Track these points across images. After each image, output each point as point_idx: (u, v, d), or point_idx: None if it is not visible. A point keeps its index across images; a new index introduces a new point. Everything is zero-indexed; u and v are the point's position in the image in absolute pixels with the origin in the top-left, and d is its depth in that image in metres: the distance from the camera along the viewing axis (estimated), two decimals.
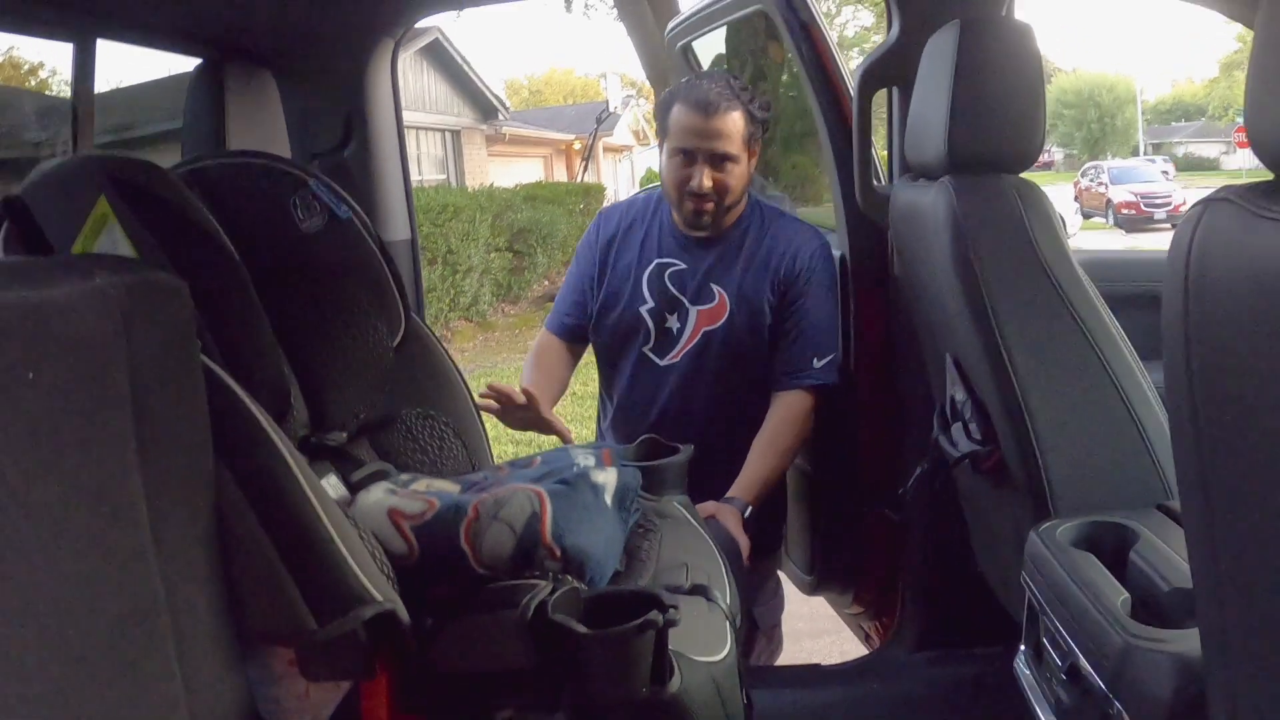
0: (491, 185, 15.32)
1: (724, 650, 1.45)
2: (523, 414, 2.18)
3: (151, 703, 1.04)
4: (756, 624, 2.61)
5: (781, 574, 2.99)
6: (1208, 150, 46.06)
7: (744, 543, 2.18)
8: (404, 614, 1.26)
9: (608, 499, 1.53)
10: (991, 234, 1.73)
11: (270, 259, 1.72)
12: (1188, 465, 0.97)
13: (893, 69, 2.32)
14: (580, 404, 7.23)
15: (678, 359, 2.37)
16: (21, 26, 1.87)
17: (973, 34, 1.77)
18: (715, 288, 2.36)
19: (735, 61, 3.68)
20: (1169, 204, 22.44)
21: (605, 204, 12.90)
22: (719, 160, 2.27)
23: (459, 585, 1.38)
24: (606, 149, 24.24)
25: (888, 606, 2.73)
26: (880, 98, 2.41)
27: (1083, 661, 1.44)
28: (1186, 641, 1.26)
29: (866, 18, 19.35)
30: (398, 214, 2.51)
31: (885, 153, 2.53)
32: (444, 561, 1.40)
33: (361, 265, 1.79)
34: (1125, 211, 23.62)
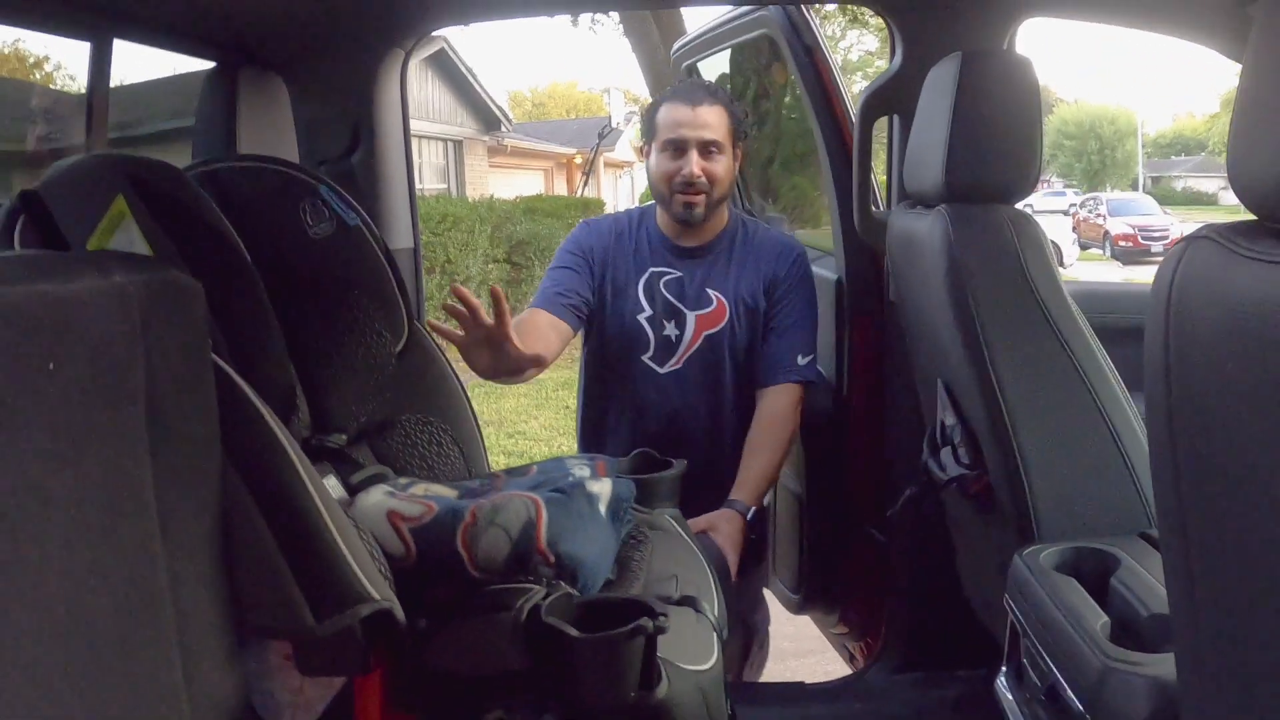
0: (492, 196, 15.34)
1: (711, 660, 1.48)
2: (487, 339, 1.90)
3: (153, 691, 1.07)
4: (753, 631, 2.63)
5: (768, 591, 3.01)
6: (1207, 185, 46.13)
7: (733, 552, 2.20)
8: (400, 614, 1.29)
9: (602, 509, 1.56)
10: (985, 263, 1.77)
11: (279, 263, 1.75)
12: (1166, 494, 1.00)
13: (894, 97, 2.36)
14: (573, 418, 7.22)
15: (679, 365, 2.39)
16: (40, 24, 1.89)
17: (973, 66, 1.80)
18: (712, 293, 2.39)
19: (739, 79, 3.72)
20: (1166, 237, 22.52)
21: None
22: (707, 149, 2.32)
23: (455, 588, 1.41)
24: (607, 164, 24.30)
25: (872, 627, 2.75)
26: (881, 125, 2.44)
27: (1062, 683, 1.47)
28: (1163, 665, 1.29)
29: (871, 43, 19.44)
30: (401, 222, 2.53)
31: (885, 179, 2.57)
32: (440, 564, 1.43)
33: (368, 272, 1.82)
34: (1123, 244, 23.71)
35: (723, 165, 2.35)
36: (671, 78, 3.66)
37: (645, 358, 2.39)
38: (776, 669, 3.43)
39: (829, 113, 2.57)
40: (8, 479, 0.90)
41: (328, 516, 1.22)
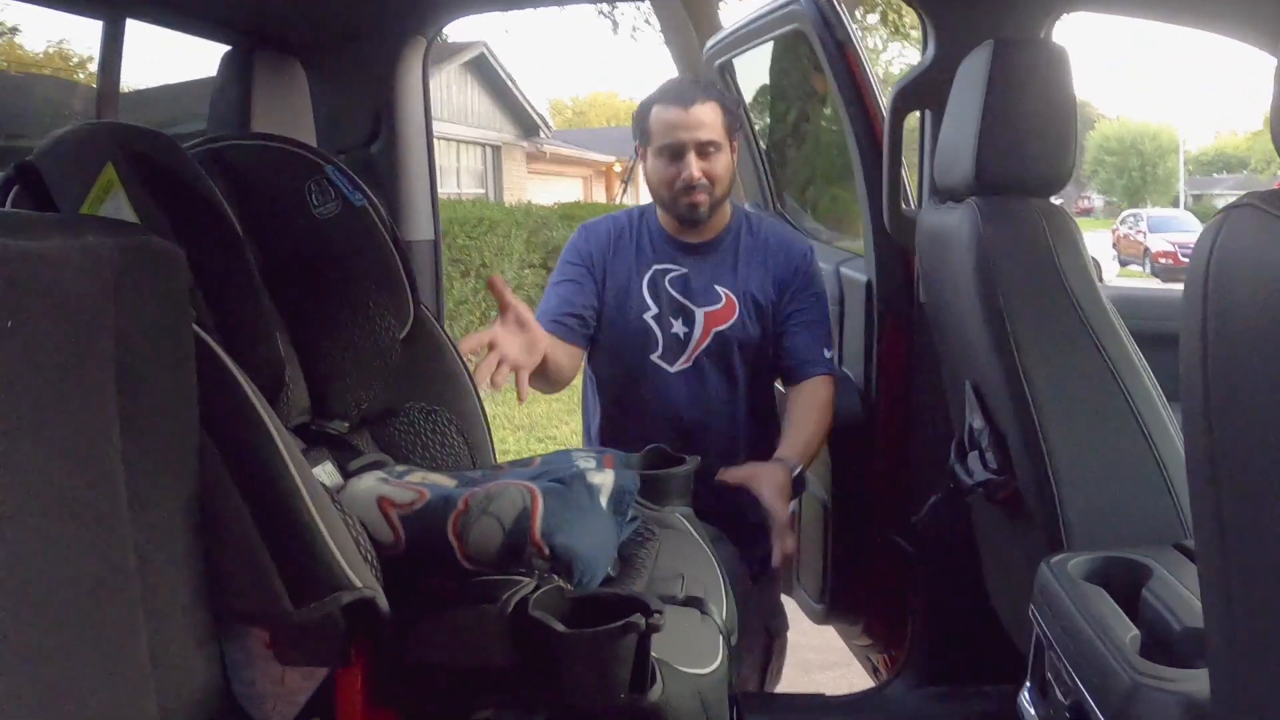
0: (529, 202, 15.38)
1: (714, 664, 1.41)
2: (517, 322, 1.95)
3: (118, 670, 1.02)
4: (773, 635, 2.57)
5: (792, 600, 2.95)
6: None
7: (780, 500, 2.13)
8: (384, 603, 1.23)
9: (603, 501, 1.49)
10: (1015, 258, 1.70)
11: (283, 242, 1.72)
12: (1202, 495, 0.93)
13: (926, 91, 2.29)
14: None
15: (689, 364, 2.34)
16: (57, 3, 1.87)
17: (1006, 54, 1.74)
18: (720, 289, 2.34)
19: (779, 91, 3.68)
20: None
21: None
22: (704, 149, 2.27)
23: (445, 579, 1.35)
24: None
25: (897, 639, 2.68)
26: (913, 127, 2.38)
27: (1088, 699, 1.39)
28: (1195, 682, 1.21)
29: (914, 56, 19.34)
30: (422, 213, 2.50)
31: (917, 178, 2.50)
32: (431, 553, 1.37)
33: (373, 254, 1.77)
34: (1163, 261, 23.43)
35: (722, 163, 2.30)
36: (706, 78, 3.61)
37: (654, 357, 2.34)
38: (802, 681, 3.37)
39: (860, 109, 2.51)
40: None
41: (309, 500, 1.17)
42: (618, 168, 23.14)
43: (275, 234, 1.70)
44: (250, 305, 1.46)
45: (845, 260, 2.82)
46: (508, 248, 11.78)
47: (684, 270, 2.36)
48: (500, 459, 1.95)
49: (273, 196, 1.72)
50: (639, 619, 1.20)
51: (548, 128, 22.08)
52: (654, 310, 2.34)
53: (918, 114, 2.37)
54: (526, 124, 20.67)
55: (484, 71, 18.99)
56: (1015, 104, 1.73)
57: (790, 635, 2.74)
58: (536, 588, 1.29)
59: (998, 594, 2.19)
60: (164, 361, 1.10)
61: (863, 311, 2.58)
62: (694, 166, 2.26)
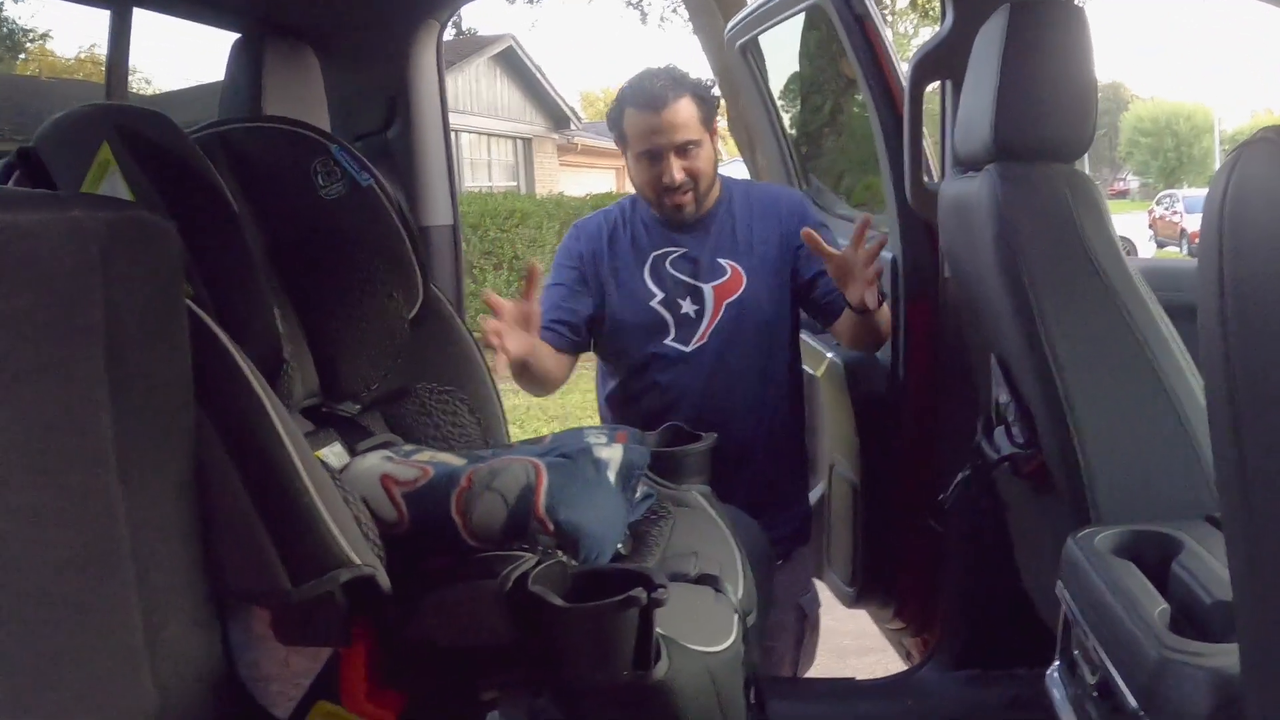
0: (561, 194, 15.37)
1: (725, 642, 1.38)
2: (522, 317, 2.00)
3: (108, 649, 1.01)
4: (805, 612, 2.55)
5: (822, 583, 2.91)
6: None
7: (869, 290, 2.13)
8: (385, 581, 1.21)
9: (611, 475, 1.46)
10: (1036, 224, 1.66)
11: (290, 224, 1.71)
12: (1225, 455, 0.88)
13: (945, 61, 2.25)
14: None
15: (705, 340, 2.31)
16: None
17: (1023, 17, 1.70)
18: (724, 262, 2.32)
19: (808, 75, 3.64)
20: None
21: None
22: (684, 149, 2.26)
23: (450, 556, 1.33)
24: None
25: (929, 622, 2.64)
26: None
27: (1115, 676, 1.35)
28: (1225, 656, 1.17)
29: None
30: (440, 198, 2.48)
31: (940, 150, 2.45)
32: (435, 531, 1.35)
33: (381, 234, 1.76)
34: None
35: (703, 158, 2.29)
36: (729, 61, 3.58)
37: (668, 341, 2.33)
38: (836, 666, 3.34)
39: (881, 82, 2.47)
40: None
41: (307, 477, 1.15)
42: None
43: (282, 215, 1.69)
44: (246, 281, 1.45)
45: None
46: (540, 239, 11.79)
47: (684, 249, 2.34)
48: None
49: (279, 178, 1.71)
50: (640, 593, 1.17)
51: (578, 119, 22.07)
52: (660, 296, 2.32)
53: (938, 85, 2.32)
54: (557, 116, 20.67)
55: (513, 64, 19.00)
56: (1033, 67, 1.69)
57: (824, 620, 2.71)
58: (538, 563, 1.26)
59: (1028, 572, 2.14)
60: (155, 335, 1.08)
61: (888, 288, 2.54)
62: (675, 169, 2.25)
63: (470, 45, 17.24)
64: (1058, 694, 1.60)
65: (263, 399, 1.16)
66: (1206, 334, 0.86)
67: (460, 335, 1.87)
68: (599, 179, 22.17)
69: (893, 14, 14.73)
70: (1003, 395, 1.91)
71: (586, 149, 22.03)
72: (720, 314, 2.31)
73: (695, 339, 2.32)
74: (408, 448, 1.60)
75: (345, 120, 2.38)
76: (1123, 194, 46.96)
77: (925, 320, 2.48)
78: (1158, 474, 1.63)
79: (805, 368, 2.54)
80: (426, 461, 1.45)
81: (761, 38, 3.40)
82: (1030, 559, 2.10)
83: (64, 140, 1.40)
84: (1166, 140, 45.13)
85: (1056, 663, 1.64)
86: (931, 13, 14.33)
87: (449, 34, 2.49)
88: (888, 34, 2.61)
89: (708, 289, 2.32)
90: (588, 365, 2.66)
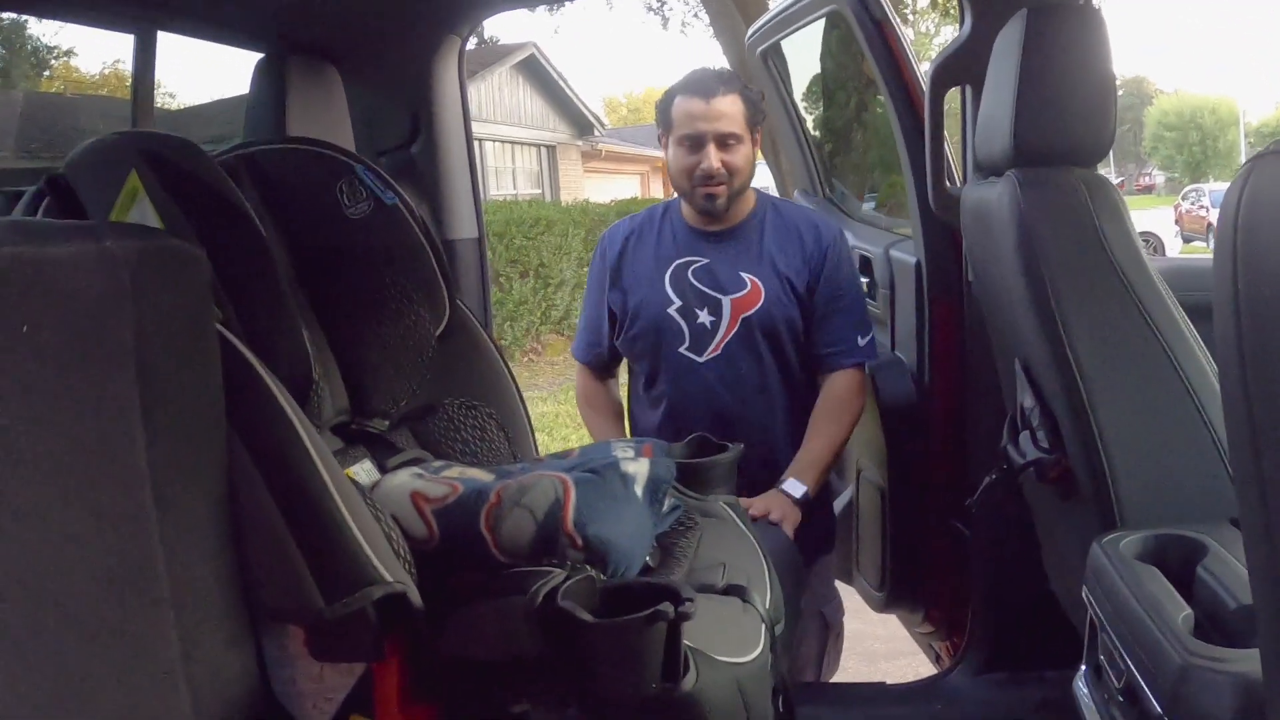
0: (586, 200, 15.40)
1: (753, 653, 1.39)
2: None
3: (145, 668, 1.03)
4: (828, 622, 2.56)
5: (851, 588, 2.92)
6: None
7: (792, 522, 2.19)
8: (416, 597, 1.23)
9: (638, 490, 1.48)
10: (1057, 229, 1.66)
11: (317, 243, 1.73)
12: (1243, 458, 0.89)
13: (964, 66, 2.24)
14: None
15: (718, 352, 2.33)
16: (85, 17, 1.90)
17: (1040, 20, 1.70)
18: (745, 275, 2.33)
19: (830, 78, 3.64)
20: None
21: None
22: (724, 141, 2.28)
23: (479, 572, 1.35)
24: None
25: (958, 626, 2.64)
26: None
27: (1140, 681, 1.35)
28: (1249, 662, 1.17)
29: None
30: (464, 212, 2.50)
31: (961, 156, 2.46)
32: (464, 547, 1.37)
33: (406, 252, 1.78)
34: None
35: (741, 155, 2.31)
36: (750, 67, 3.59)
37: (682, 349, 2.35)
38: (866, 670, 3.34)
39: (901, 87, 2.47)
40: None
41: (338, 496, 1.18)
42: None
43: (309, 235, 1.72)
44: (275, 304, 1.47)
45: (895, 243, 2.78)
46: (565, 246, 11.81)
47: (707, 260, 2.35)
48: None
49: (305, 198, 1.73)
50: (667, 607, 1.19)
51: (602, 126, 22.08)
52: (677, 304, 2.34)
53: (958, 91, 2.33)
54: (580, 123, 20.69)
55: (535, 72, 19.04)
56: (1051, 72, 1.69)
57: (854, 625, 2.71)
58: (567, 578, 1.28)
59: (1055, 576, 2.14)
60: (187, 360, 1.11)
61: (913, 293, 2.54)
62: (713, 158, 2.27)
63: (492, 54, 17.30)
64: (1085, 698, 1.60)
65: (293, 420, 1.18)
66: (1222, 343, 0.87)
67: (487, 350, 1.89)
68: (624, 185, 22.19)
69: (913, 13, 14.70)
70: (1027, 400, 1.91)
71: (610, 155, 22.05)
72: (736, 327, 2.32)
73: (709, 349, 2.34)
74: (437, 464, 1.61)
75: (369, 136, 2.41)
76: (1148, 189, 46.63)
77: (949, 325, 2.48)
78: (1182, 477, 1.63)
79: None
80: (455, 478, 1.47)
81: (784, 43, 3.41)
82: (1057, 563, 2.10)
83: (93, 168, 1.43)
84: (1191, 134, 44.72)
85: (1083, 667, 1.64)
86: (951, 11, 14.29)
87: (470, 44, 2.51)
88: (908, 35, 2.61)
89: (726, 301, 2.33)
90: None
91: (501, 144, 17.89)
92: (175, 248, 1.11)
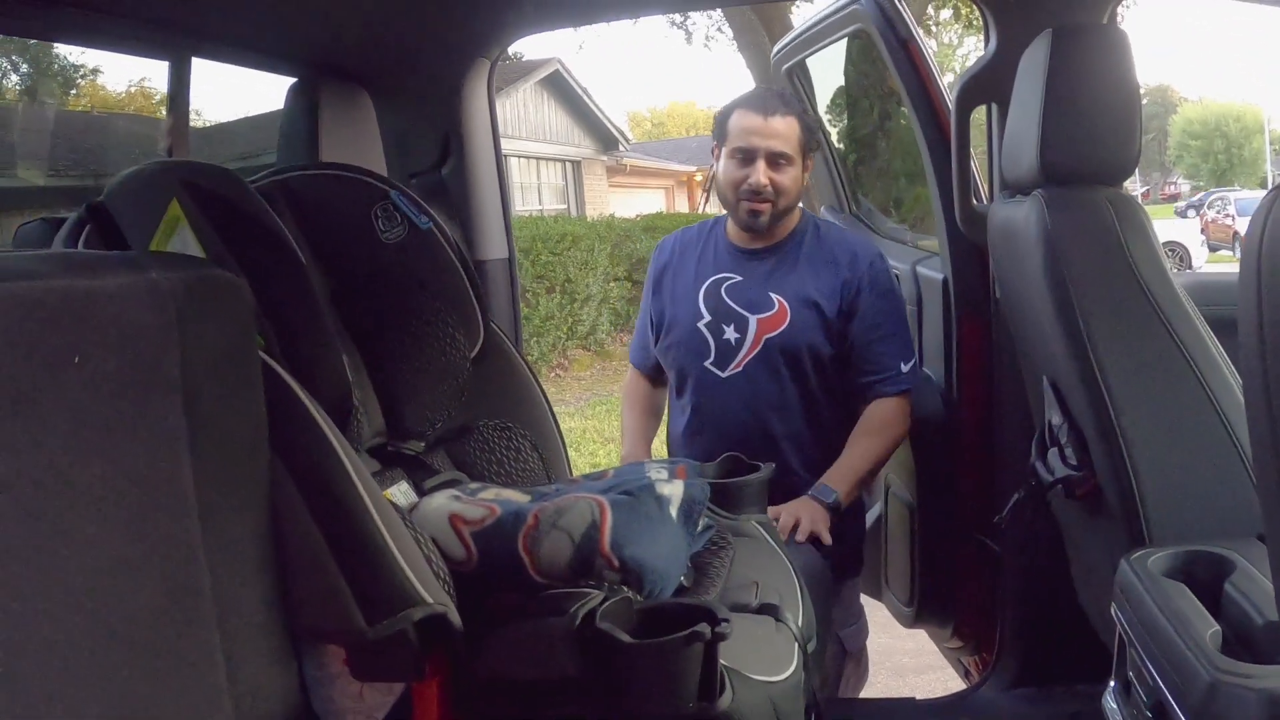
0: (612, 215, 15.42)
1: (787, 671, 1.41)
2: None
3: (193, 689, 1.05)
4: (845, 648, 2.55)
5: (880, 603, 2.92)
6: None
7: (824, 523, 2.19)
8: (456, 618, 1.25)
9: (673, 511, 1.50)
10: (1084, 248, 1.67)
11: (352, 268, 1.76)
12: (1269, 477, 0.90)
13: (990, 84, 2.26)
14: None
15: (739, 368, 2.36)
16: (119, 45, 1.94)
17: (1065, 41, 1.72)
18: (774, 295, 2.35)
19: (855, 93, 3.65)
20: None
21: None
22: (775, 160, 2.31)
23: (517, 593, 1.37)
24: None
25: (987, 641, 2.64)
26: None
27: (1168, 697, 1.36)
28: (1277, 678, 1.18)
29: None
30: (495, 232, 2.53)
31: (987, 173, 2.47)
32: (502, 569, 1.39)
33: (441, 275, 1.81)
34: None
35: (790, 176, 2.33)
36: (775, 83, 3.61)
37: (707, 363, 2.38)
38: (894, 685, 3.34)
39: (927, 105, 2.49)
40: (31, 468, 0.89)
41: (379, 519, 1.20)
42: (699, 177, 23.13)
43: (344, 260, 1.74)
44: (315, 330, 1.50)
45: (922, 259, 2.80)
46: (592, 262, 11.82)
47: (741, 278, 2.38)
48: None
49: (340, 224, 1.76)
50: (704, 628, 1.21)
51: (626, 140, 22.13)
52: (707, 318, 2.37)
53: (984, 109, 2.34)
54: (605, 138, 20.75)
55: (560, 88, 19.12)
56: (1077, 92, 1.71)
57: (883, 639, 2.71)
58: (605, 600, 1.30)
59: (1084, 592, 2.15)
60: (231, 388, 1.13)
61: (940, 310, 2.55)
62: (762, 173, 2.29)
63: (517, 70, 17.38)
64: (1113, 714, 1.61)
65: (334, 444, 1.21)
66: (1247, 366, 0.89)
67: (520, 371, 1.92)
68: (649, 199, 22.21)
69: (936, 24, 14.69)
70: (1055, 417, 1.92)
71: (635, 169, 22.09)
72: (759, 346, 2.34)
73: (731, 366, 2.36)
74: (473, 486, 1.64)
75: (400, 159, 2.44)
76: (1174, 198, 46.30)
77: (977, 341, 2.49)
78: (1210, 494, 1.64)
79: None
80: (493, 500, 1.49)
81: (809, 60, 3.43)
82: (1086, 579, 2.11)
83: (134, 196, 1.46)
84: (1216, 142, 44.45)
85: (1112, 683, 1.65)
86: (975, 23, 14.27)
87: None
88: (932, 47, 2.63)
89: (752, 320, 2.35)
90: None
91: (526, 159, 17.96)
92: (218, 278, 1.14)
